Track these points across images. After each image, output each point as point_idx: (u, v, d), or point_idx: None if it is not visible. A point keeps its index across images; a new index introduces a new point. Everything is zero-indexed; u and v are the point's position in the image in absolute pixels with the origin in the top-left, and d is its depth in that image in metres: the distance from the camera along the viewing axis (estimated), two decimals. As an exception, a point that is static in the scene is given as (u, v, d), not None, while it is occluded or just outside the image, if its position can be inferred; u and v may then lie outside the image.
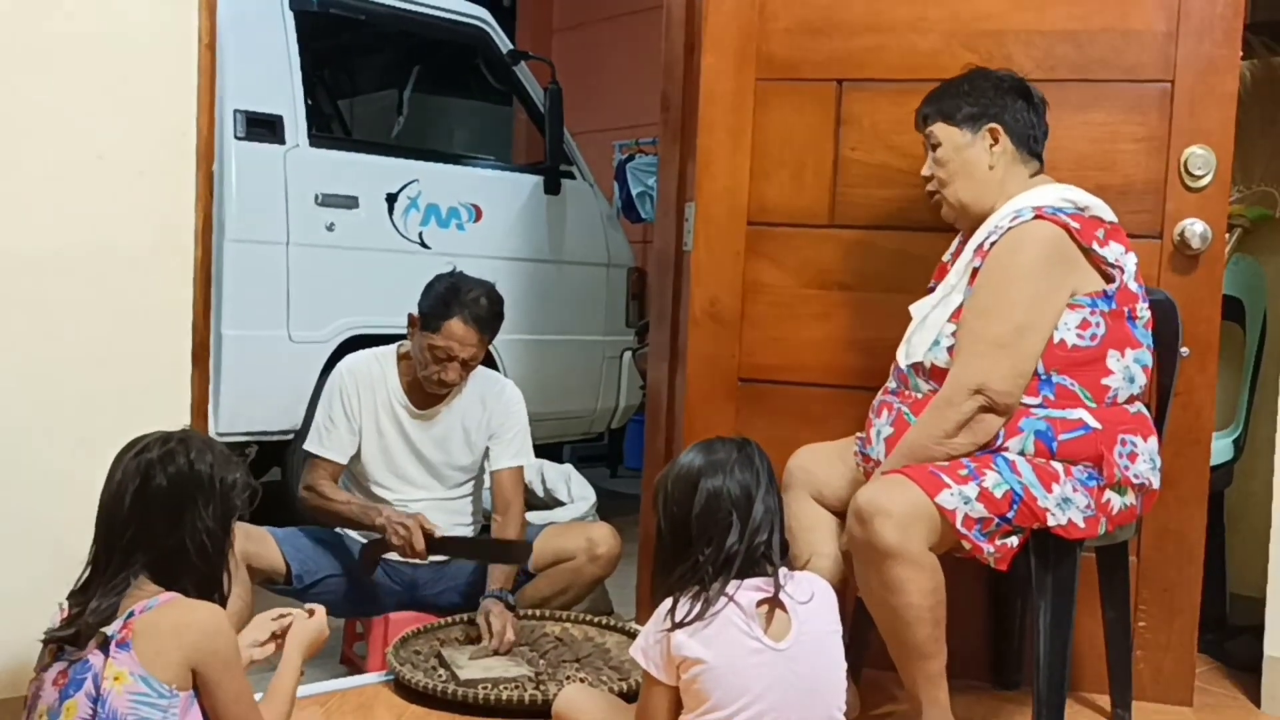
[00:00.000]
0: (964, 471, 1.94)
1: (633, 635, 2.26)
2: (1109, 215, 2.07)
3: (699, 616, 1.64)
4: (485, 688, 2.23)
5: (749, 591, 1.67)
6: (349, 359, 2.78)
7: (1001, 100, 2.14)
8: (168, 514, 1.57)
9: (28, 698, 1.60)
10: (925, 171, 2.21)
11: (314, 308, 3.59)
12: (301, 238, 3.56)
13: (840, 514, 2.14)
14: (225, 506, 1.62)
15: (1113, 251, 2.03)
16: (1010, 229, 2.02)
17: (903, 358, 2.16)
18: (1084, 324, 2.00)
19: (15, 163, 2.09)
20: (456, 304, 2.56)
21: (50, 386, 2.13)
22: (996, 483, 1.93)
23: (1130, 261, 2.05)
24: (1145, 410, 2.08)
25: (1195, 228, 2.34)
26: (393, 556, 2.61)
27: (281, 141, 3.54)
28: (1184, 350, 2.23)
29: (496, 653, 2.43)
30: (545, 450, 3.87)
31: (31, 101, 2.10)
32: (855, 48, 2.54)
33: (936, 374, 2.06)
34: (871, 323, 2.49)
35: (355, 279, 3.67)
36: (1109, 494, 1.99)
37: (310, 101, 3.76)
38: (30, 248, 2.10)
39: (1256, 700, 2.43)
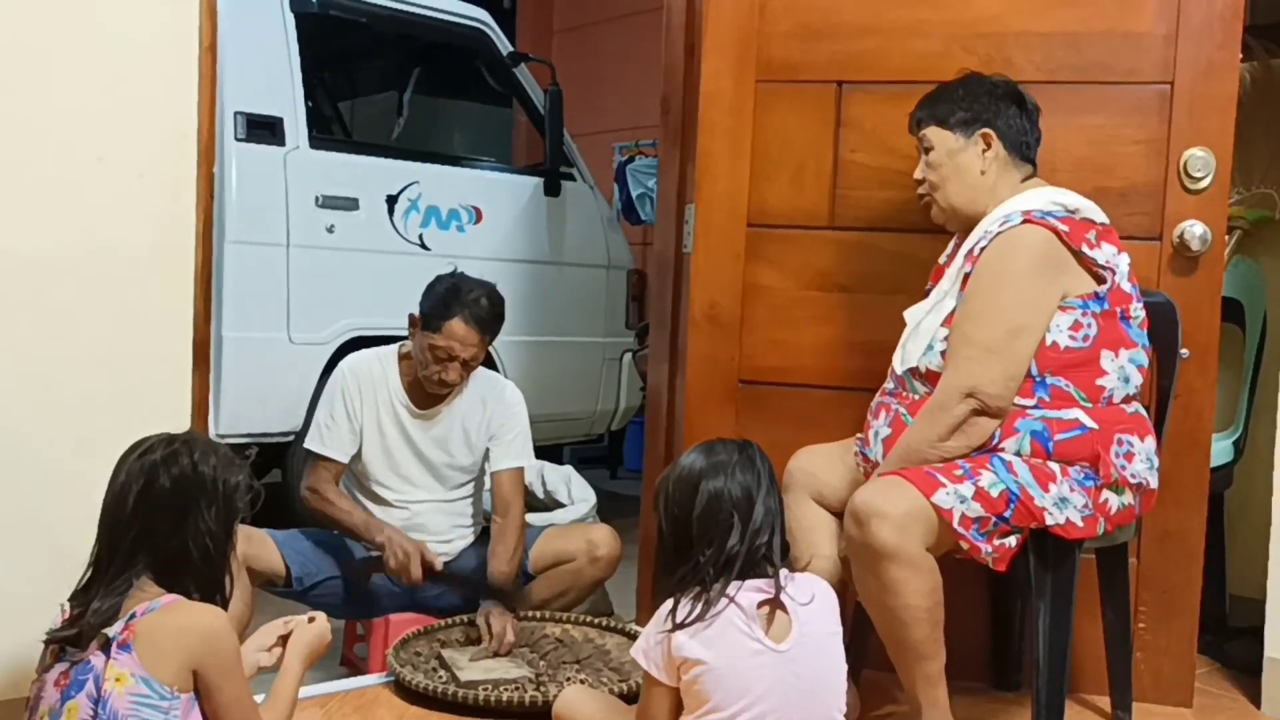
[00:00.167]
0: (959, 471, 1.95)
1: (633, 637, 2.26)
2: (1100, 217, 2.08)
3: (700, 617, 1.65)
4: (485, 689, 2.24)
5: (750, 593, 1.67)
6: (350, 358, 2.78)
7: (995, 106, 2.15)
8: (171, 516, 1.58)
9: (29, 698, 1.60)
10: (917, 174, 2.22)
11: (314, 309, 3.59)
12: (302, 239, 3.56)
13: (841, 515, 2.14)
14: (228, 509, 1.63)
15: (1104, 253, 2.03)
16: (999, 234, 2.03)
17: (898, 364, 2.17)
18: (1076, 325, 2.00)
19: (16, 164, 2.09)
20: (457, 304, 2.56)
21: (50, 387, 2.13)
22: (992, 482, 1.93)
23: (1123, 262, 2.05)
24: (1143, 410, 2.09)
25: (1195, 230, 2.34)
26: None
27: (282, 143, 3.54)
28: (1184, 352, 2.24)
29: (497, 654, 2.44)
30: (545, 452, 3.87)
31: (32, 103, 2.10)
32: (855, 50, 2.54)
33: (932, 378, 2.07)
34: (871, 325, 2.48)
35: (355, 281, 3.67)
36: (1106, 493, 1.99)
37: (311, 103, 3.76)
38: (31, 249, 2.10)
39: (1256, 702, 2.43)
